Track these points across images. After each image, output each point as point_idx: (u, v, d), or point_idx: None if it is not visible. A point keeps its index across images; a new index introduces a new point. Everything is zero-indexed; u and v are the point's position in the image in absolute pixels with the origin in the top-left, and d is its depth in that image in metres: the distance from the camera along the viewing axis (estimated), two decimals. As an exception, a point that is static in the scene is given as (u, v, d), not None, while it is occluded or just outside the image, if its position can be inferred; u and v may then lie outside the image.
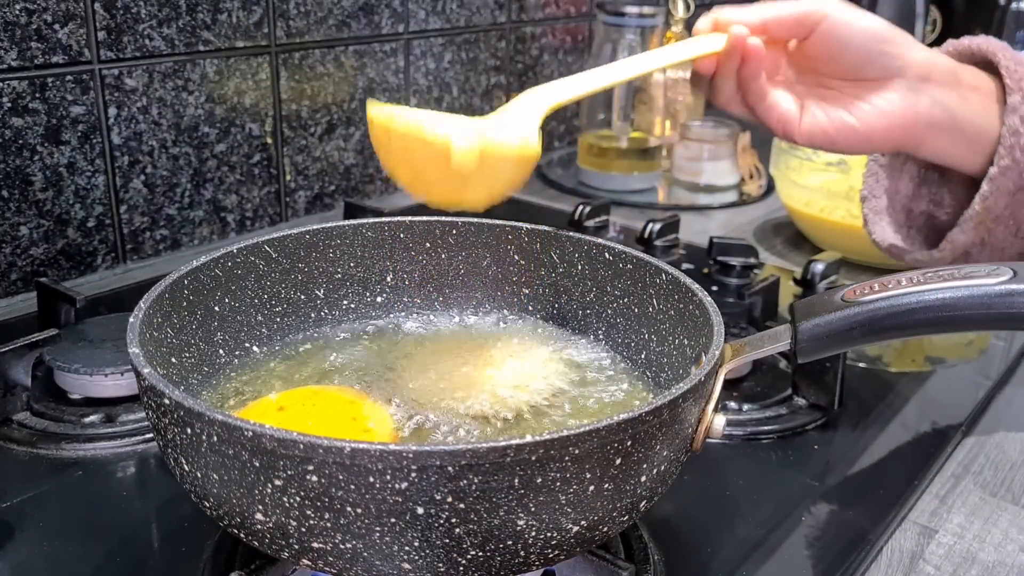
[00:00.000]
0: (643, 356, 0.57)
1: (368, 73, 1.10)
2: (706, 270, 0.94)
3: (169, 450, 0.42)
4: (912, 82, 0.65)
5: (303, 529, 0.39)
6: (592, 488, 0.40)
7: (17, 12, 0.79)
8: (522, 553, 0.40)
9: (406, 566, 0.39)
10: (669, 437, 0.42)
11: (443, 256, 0.63)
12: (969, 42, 0.71)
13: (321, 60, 1.04)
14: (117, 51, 0.87)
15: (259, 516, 0.40)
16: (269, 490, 0.38)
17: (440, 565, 0.39)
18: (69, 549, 0.51)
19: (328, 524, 0.38)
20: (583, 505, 0.40)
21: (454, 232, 0.63)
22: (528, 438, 0.37)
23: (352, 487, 0.37)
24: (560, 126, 1.43)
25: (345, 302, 0.62)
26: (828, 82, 0.67)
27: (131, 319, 0.47)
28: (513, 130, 0.53)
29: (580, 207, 1.03)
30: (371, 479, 0.37)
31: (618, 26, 1.22)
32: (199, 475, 0.41)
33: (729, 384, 0.69)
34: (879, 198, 0.74)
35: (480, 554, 0.39)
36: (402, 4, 1.11)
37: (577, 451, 0.38)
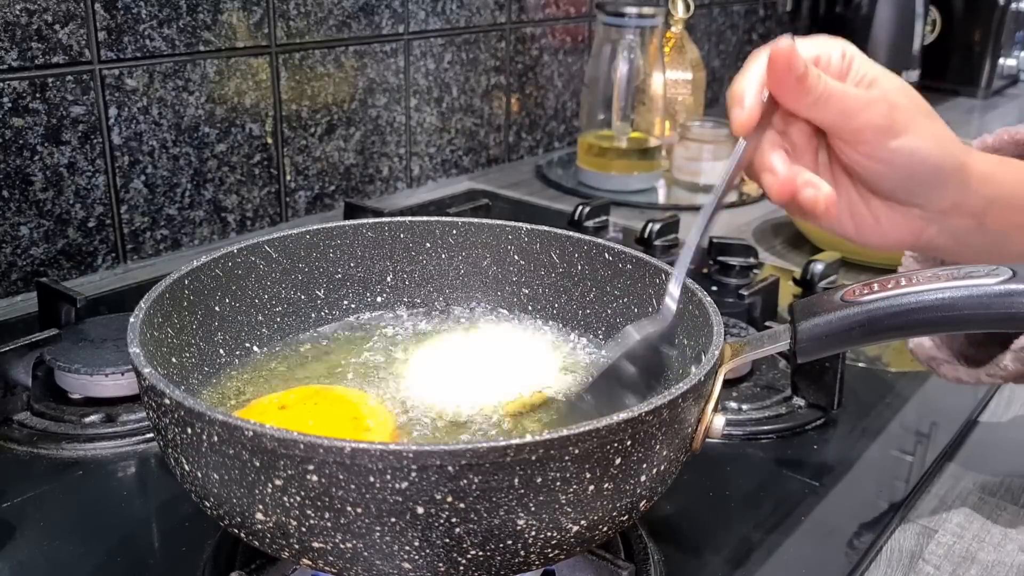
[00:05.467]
0: (643, 356, 0.57)
1: (368, 73, 1.10)
2: (706, 270, 0.94)
3: (169, 450, 0.42)
4: (930, 213, 0.55)
5: (303, 529, 0.39)
6: (592, 488, 0.40)
7: (17, 12, 0.79)
8: (522, 553, 0.40)
9: (406, 565, 0.39)
10: (669, 437, 0.42)
11: (443, 256, 0.63)
12: None
13: (321, 60, 1.04)
14: (117, 51, 0.87)
15: (259, 516, 0.40)
16: (269, 490, 0.38)
17: (440, 565, 0.39)
18: (69, 549, 0.51)
19: (328, 524, 0.38)
20: (583, 505, 0.40)
21: (454, 232, 0.63)
22: (528, 438, 0.37)
23: (352, 487, 0.37)
24: (560, 126, 1.43)
25: (345, 302, 0.62)
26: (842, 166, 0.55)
27: (131, 319, 0.47)
28: None
29: (580, 207, 1.03)
30: (371, 479, 0.37)
31: (618, 26, 1.22)
32: (199, 475, 0.41)
33: (729, 384, 0.69)
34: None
35: (480, 554, 0.39)
36: (402, 4, 1.11)
37: (577, 451, 0.38)
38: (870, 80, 0.52)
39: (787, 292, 0.87)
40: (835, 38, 0.53)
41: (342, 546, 0.39)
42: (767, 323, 0.75)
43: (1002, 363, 0.58)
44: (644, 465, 0.42)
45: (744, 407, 0.67)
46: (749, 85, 0.51)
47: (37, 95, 0.82)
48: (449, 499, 0.37)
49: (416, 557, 0.39)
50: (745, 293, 0.80)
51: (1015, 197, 0.56)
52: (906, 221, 0.55)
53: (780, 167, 0.50)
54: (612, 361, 0.47)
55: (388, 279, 0.63)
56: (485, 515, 0.38)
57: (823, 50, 0.52)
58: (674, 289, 0.50)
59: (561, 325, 0.62)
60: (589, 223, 1.02)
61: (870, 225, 0.55)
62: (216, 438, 0.39)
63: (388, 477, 0.37)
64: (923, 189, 0.53)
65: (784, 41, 0.49)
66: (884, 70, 0.53)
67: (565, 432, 0.38)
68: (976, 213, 0.55)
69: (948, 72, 1.97)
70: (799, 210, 0.51)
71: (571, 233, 0.61)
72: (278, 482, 0.38)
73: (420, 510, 0.37)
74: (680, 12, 1.35)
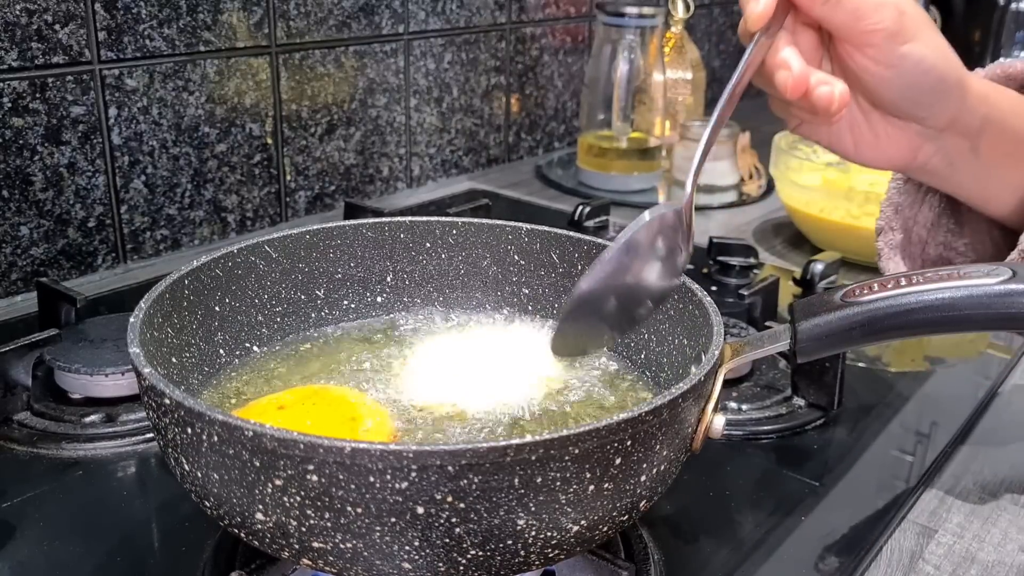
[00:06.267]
0: (643, 356, 0.57)
1: (368, 73, 1.10)
2: (706, 270, 0.94)
3: (169, 450, 0.42)
4: (928, 129, 0.57)
5: (303, 529, 0.39)
6: (592, 488, 0.40)
7: (17, 12, 0.79)
8: (522, 553, 0.40)
9: (406, 566, 0.39)
10: (669, 437, 0.42)
11: (443, 256, 0.63)
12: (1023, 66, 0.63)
13: (321, 60, 1.04)
14: (117, 51, 0.87)
15: (259, 516, 0.40)
16: (269, 490, 0.38)
17: (440, 565, 0.39)
18: (69, 549, 0.51)
19: (328, 524, 0.38)
20: (583, 505, 0.40)
21: (454, 232, 0.63)
22: (528, 438, 0.37)
23: (352, 487, 0.37)
24: (560, 126, 1.43)
25: (345, 302, 0.62)
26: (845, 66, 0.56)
27: (131, 319, 0.47)
28: None
29: (580, 207, 1.03)
30: (371, 479, 0.37)
31: (618, 26, 1.22)
32: (199, 475, 0.41)
33: (729, 384, 0.69)
34: (895, 231, 0.68)
35: (480, 553, 0.39)
36: (402, 4, 1.11)
37: (577, 451, 0.38)
38: None
39: (787, 292, 0.87)
40: None
41: (342, 546, 0.39)
42: (767, 323, 0.75)
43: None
44: (644, 465, 0.42)
45: (744, 407, 0.67)
46: None
47: (37, 95, 0.82)
48: (449, 499, 0.37)
49: (416, 557, 0.39)
50: (745, 293, 0.80)
51: (1008, 123, 0.58)
52: (904, 137, 0.56)
53: (795, 63, 0.51)
54: (619, 245, 0.45)
55: (388, 279, 0.63)
56: (485, 515, 0.38)
57: None
58: (688, 184, 0.49)
59: (561, 325, 0.62)
60: (589, 223, 1.02)
61: (868, 141, 0.56)
62: (216, 438, 0.39)
63: (388, 477, 0.37)
64: (926, 99, 0.54)
65: None
66: None
67: (565, 432, 0.38)
68: (971, 133, 0.56)
69: (948, 72, 1.97)
70: (811, 109, 0.52)
71: (571, 233, 0.61)
72: (278, 482, 0.38)
73: (420, 510, 0.37)
74: (680, 12, 1.35)
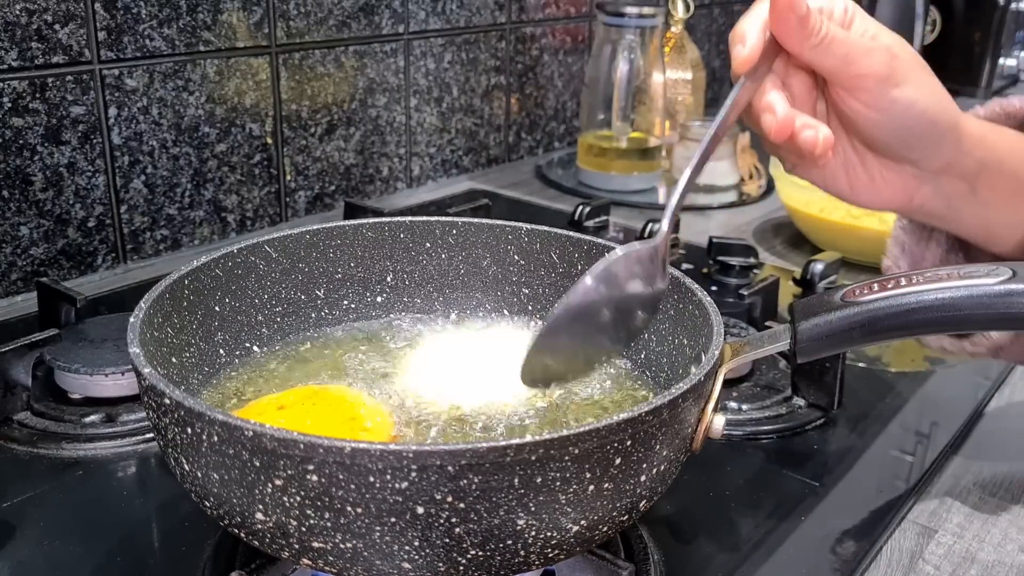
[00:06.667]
0: (643, 356, 0.57)
1: (368, 73, 1.10)
2: (706, 270, 0.94)
3: (169, 450, 0.42)
4: (924, 172, 0.55)
5: (303, 529, 0.39)
6: (592, 488, 0.40)
7: (17, 12, 0.79)
8: (522, 553, 0.40)
9: (406, 565, 0.39)
10: (669, 437, 0.42)
11: (443, 256, 0.63)
12: (1021, 104, 0.61)
13: (321, 60, 1.04)
14: (117, 51, 0.87)
15: (259, 516, 0.40)
16: (269, 490, 0.38)
17: (440, 565, 0.39)
18: (69, 549, 0.51)
19: (328, 524, 0.38)
20: (583, 505, 0.40)
21: (454, 232, 0.63)
22: (528, 438, 0.37)
23: (352, 487, 0.37)
24: (560, 126, 1.43)
25: (345, 302, 0.62)
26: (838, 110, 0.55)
27: (131, 319, 0.47)
28: None
29: (580, 207, 1.03)
30: (371, 479, 0.37)
31: (618, 26, 1.22)
32: (199, 475, 0.41)
33: (729, 384, 0.69)
34: (903, 271, 0.64)
35: (480, 553, 0.39)
36: (402, 4, 1.11)
37: (577, 451, 0.38)
38: (872, 34, 0.52)
39: (787, 292, 0.87)
40: None
41: (342, 546, 0.39)
42: (767, 323, 0.75)
43: (988, 334, 0.58)
44: (644, 465, 0.42)
45: (744, 407, 0.67)
46: (752, 25, 0.52)
47: (37, 95, 0.82)
48: (449, 499, 0.37)
49: (416, 557, 0.39)
50: (745, 293, 0.80)
51: (1006, 164, 0.57)
52: (900, 179, 0.55)
53: (780, 107, 0.51)
54: (589, 279, 0.44)
55: (388, 279, 0.63)
56: (485, 515, 0.38)
57: (826, 2, 0.52)
58: (664, 222, 0.49)
59: (561, 325, 0.62)
60: (589, 223, 1.02)
61: (864, 183, 0.56)
62: (216, 438, 0.39)
63: (388, 477, 0.37)
64: (919, 143, 0.53)
65: None
66: (884, 27, 0.53)
67: (565, 432, 0.38)
68: (968, 176, 0.55)
69: (948, 72, 1.97)
70: (797, 152, 0.52)
71: (571, 233, 0.61)
72: (278, 482, 0.38)
73: (420, 510, 0.37)
74: (680, 12, 1.35)
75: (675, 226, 1.00)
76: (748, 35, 0.51)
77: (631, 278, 0.47)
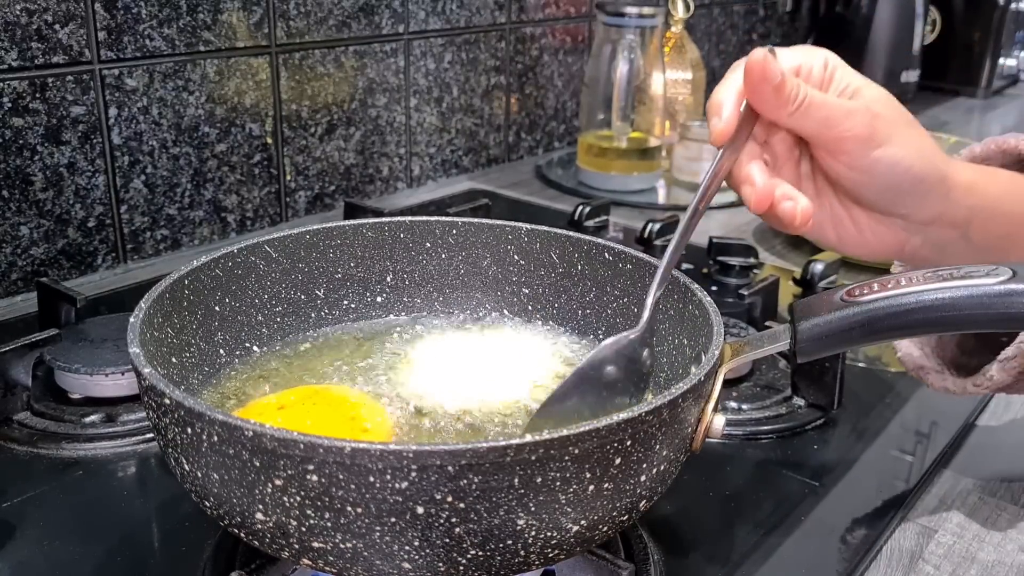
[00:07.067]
0: (643, 356, 0.57)
1: (368, 73, 1.10)
2: (706, 270, 0.94)
3: (170, 450, 0.42)
4: (913, 224, 0.55)
5: (303, 529, 0.39)
6: (592, 488, 0.40)
7: (17, 12, 0.79)
8: (522, 553, 0.40)
9: (406, 565, 0.39)
10: (669, 437, 0.42)
11: (443, 256, 0.63)
12: (1016, 141, 0.61)
13: (321, 60, 1.04)
14: (117, 51, 0.87)
15: (259, 516, 0.40)
16: (269, 490, 0.38)
17: (440, 565, 0.39)
18: (69, 549, 0.51)
19: (328, 524, 0.38)
20: (583, 505, 0.40)
21: (454, 232, 0.63)
22: (528, 438, 0.37)
23: (352, 487, 0.37)
24: (560, 126, 1.43)
25: (345, 302, 0.62)
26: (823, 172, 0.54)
27: (131, 319, 0.47)
28: None
29: (580, 207, 1.03)
30: (371, 479, 0.37)
31: (618, 26, 1.22)
32: (199, 475, 0.41)
33: (729, 384, 0.69)
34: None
35: (480, 554, 0.39)
36: (402, 4, 1.11)
37: (577, 451, 0.38)
38: (853, 90, 0.51)
39: (787, 292, 0.87)
40: (818, 48, 0.53)
41: (342, 546, 0.39)
42: (767, 323, 0.75)
43: (988, 373, 0.58)
44: (644, 465, 0.42)
45: (744, 407, 0.67)
46: (727, 95, 0.51)
47: (37, 95, 0.82)
48: (449, 499, 0.37)
49: (416, 557, 0.39)
50: (745, 293, 0.80)
51: (998, 208, 0.56)
52: (889, 232, 0.55)
53: (758, 178, 0.50)
54: (577, 370, 0.48)
55: (388, 279, 0.63)
56: (485, 515, 0.38)
57: (804, 60, 0.52)
58: (647, 305, 0.50)
59: (561, 325, 0.62)
60: (589, 223, 1.02)
61: (852, 235, 0.55)
62: (216, 438, 0.39)
63: (388, 477, 0.37)
64: (905, 200, 0.53)
65: (758, 51, 0.49)
66: (867, 80, 0.52)
67: (565, 432, 0.38)
68: (959, 224, 0.55)
69: (948, 72, 1.97)
70: (778, 222, 0.52)
71: (571, 233, 0.61)
72: (278, 482, 0.38)
73: (420, 510, 0.37)
74: (680, 12, 1.35)
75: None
76: (724, 106, 0.51)
77: (615, 369, 0.49)
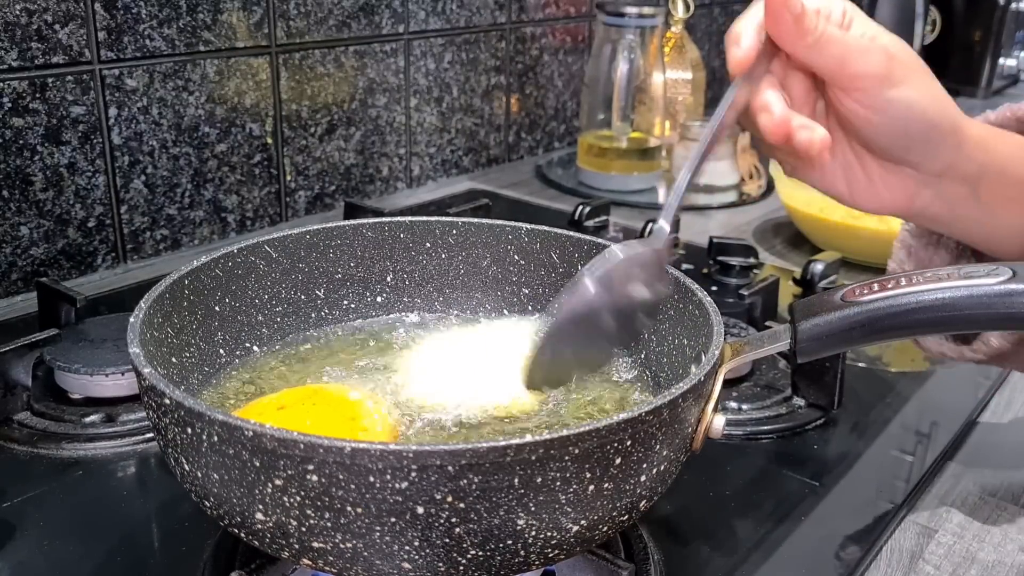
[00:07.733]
0: (643, 356, 0.57)
1: (368, 73, 1.10)
2: (706, 270, 0.94)
3: (169, 450, 0.42)
4: (924, 176, 0.55)
5: (303, 529, 0.39)
6: (592, 488, 0.40)
7: (17, 12, 0.79)
8: (522, 553, 0.40)
9: (406, 565, 0.39)
10: (669, 437, 0.42)
11: (443, 256, 0.63)
12: None
13: (321, 60, 1.04)
14: (117, 51, 0.87)
15: (259, 516, 0.40)
16: (269, 490, 0.38)
17: (440, 564, 0.39)
18: (69, 549, 0.51)
19: (328, 524, 0.38)
20: (583, 505, 0.40)
21: (454, 232, 0.63)
22: (528, 438, 0.37)
23: (352, 487, 0.37)
24: (560, 126, 1.43)
25: (345, 302, 0.62)
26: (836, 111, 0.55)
27: (131, 319, 0.47)
28: None
29: (580, 207, 1.03)
30: (371, 479, 0.37)
31: (618, 26, 1.22)
32: (199, 475, 0.41)
33: (729, 384, 0.69)
34: None
35: (480, 553, 0.39)
36: (402, 4, 1.11)
37: (577, 451, 0.38)
38: (870, 35, 0.51)
39: (787, 292, 0.87)
40: None
41: (342, 546, 0.39)
42: (767, 323, 0.75)
43: (987, 339, 0.58)
44: (644, 465, 0.42)
45: (744, 407, 0.67)
46: (747, 25, 0.51)
47: (37, 95, 0.82)
48: (449, 499, 0.37)
49: (416, 557, 0.39)
50: (745, 293, 0.80)
51: (1009, 168, 0.56)
52: (900, 182, 0.55)
53: (776, 107, 0.50)
54: (589, 283, 0.45)
55: (388, 279, 0.63)
56: (485, 515, 0.38)
57: (824, 4, 0.51)
58: (665, 223, 0.49)
59: (561, 325, 0.62)
60: (589, 223, 1.02)
61: (863, 185, 0.55)
62: (216, 438, 0.39)
63: (388, 477, 0.37)
64: (918, 146, 0.53)
65: None
66: (884, 29, 0.52)
67: (565, 432, 0.38)
68: (970, 179, 0.55)
69: (948, 72, 1.97)
70: (793, 154, 0.51)
71: (571, 233, 0.61)
72: (278, 482, 0.38)
73: (420, 510, 0.37)
74: (680, 12, 1.35)
75: (675, 226, 1.00)
76: (743, 36, 0.51)
77: (631, 282, 0.47)
